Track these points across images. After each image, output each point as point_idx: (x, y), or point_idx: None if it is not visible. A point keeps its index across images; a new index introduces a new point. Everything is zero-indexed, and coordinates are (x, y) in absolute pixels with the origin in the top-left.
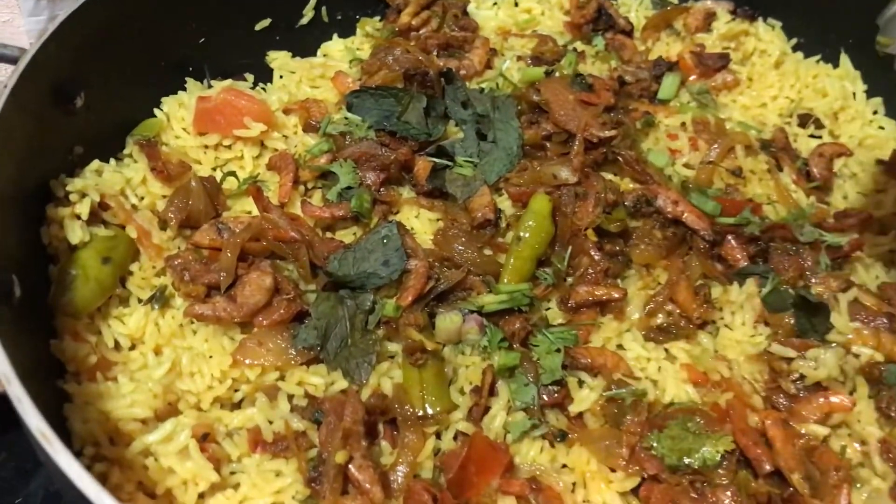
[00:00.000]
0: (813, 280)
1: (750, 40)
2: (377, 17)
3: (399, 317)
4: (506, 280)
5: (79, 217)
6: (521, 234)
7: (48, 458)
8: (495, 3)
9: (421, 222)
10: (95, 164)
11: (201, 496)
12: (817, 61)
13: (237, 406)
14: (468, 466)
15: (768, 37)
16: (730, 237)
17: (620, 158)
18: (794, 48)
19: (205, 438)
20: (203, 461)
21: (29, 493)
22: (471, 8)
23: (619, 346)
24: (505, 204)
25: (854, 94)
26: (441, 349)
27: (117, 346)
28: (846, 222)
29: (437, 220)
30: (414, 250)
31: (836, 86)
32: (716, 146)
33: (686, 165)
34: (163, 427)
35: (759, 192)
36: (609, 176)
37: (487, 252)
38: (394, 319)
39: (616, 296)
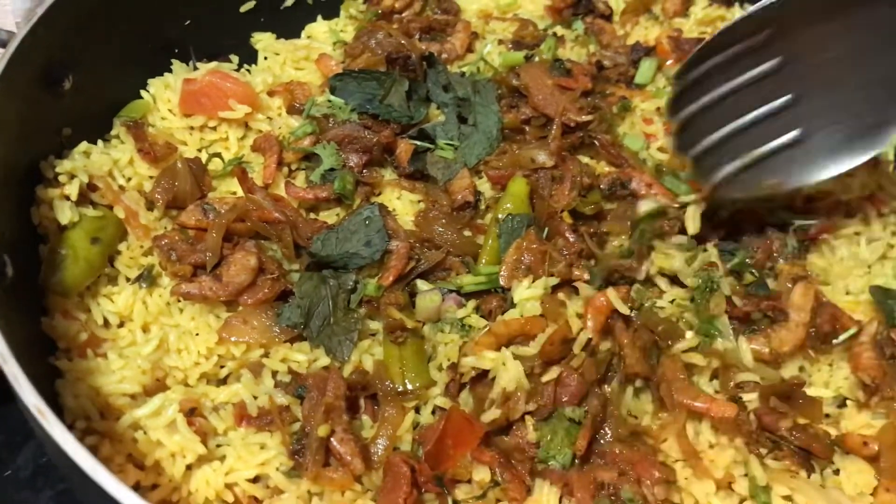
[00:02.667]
0: (781, 261)
1: None
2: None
3: (380, 296)
4: (484, 261)
5: (68, 198)
6: (500, 216)
7: (44, 433)
8: None
9: (402, 204)
10: (84, 145)
11: (188, 468)
12: None
13: (223, 382)
14: (445, 440)
15: None
16: None
17: (597, 142)
18: None
19: (192, 413)
20: (190, 434)
21: (18, 467)
22: None
23: None
24: (484, 186)
25: None
26: (421, 327)
27: (106, 323)
28: (815, 205)
29: (419, 201)
30: (395, 231)
31: None
32: None
33: (660, 149)
34: (151, 402)
35: None
36: (585, 159)
37: (467, 233)
38: (375, 299)
39: (587, 277)
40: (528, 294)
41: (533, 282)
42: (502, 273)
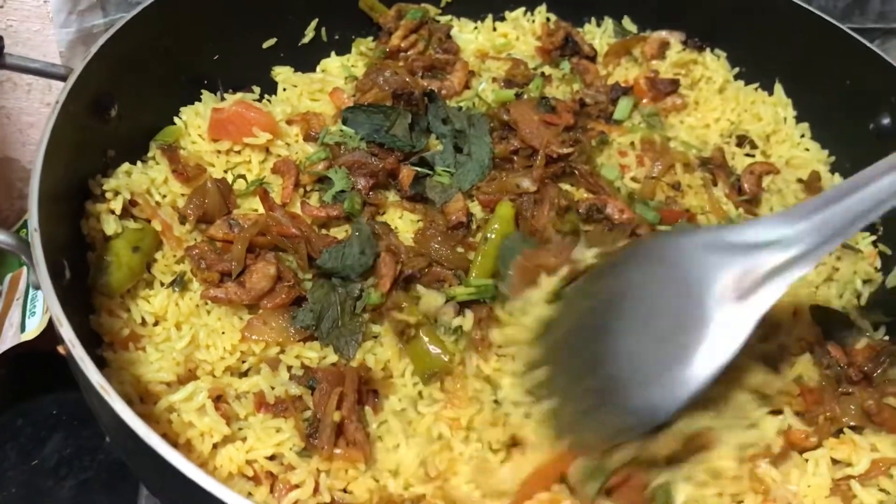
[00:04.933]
0: None
1: (698, 68)
2: (370, 38)
3: (383, 303)
4: (474, 274)
5: (113, 212)
6: (488, 235)
7: (105, 406)
8: (475, 28)
9: (404, 222)
10: (125, 166)
11: (215, 446)
12: (755, 89)
13: (244, 374)
14: None
15: (714, 66)
16: None
17: (577, 172)
18: (736, 76)
19: (218, 399)
20: (217, 417)
21: (44, 457)
22: (454, 31)
23: None
24: (476, 209)
25: (785, 118)
26: (424, 322)
27: (144, 321)
28: None
29: (418, 221)
30: (378, 237)
31: (770, 111)
32: (658, 164)
33: (633, 179)
34: (184, 389)
35: (694, 203)
36: (566, 186)
37: (460, 250)
38: (378, 306)
39: None
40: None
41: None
42: (508, 284)
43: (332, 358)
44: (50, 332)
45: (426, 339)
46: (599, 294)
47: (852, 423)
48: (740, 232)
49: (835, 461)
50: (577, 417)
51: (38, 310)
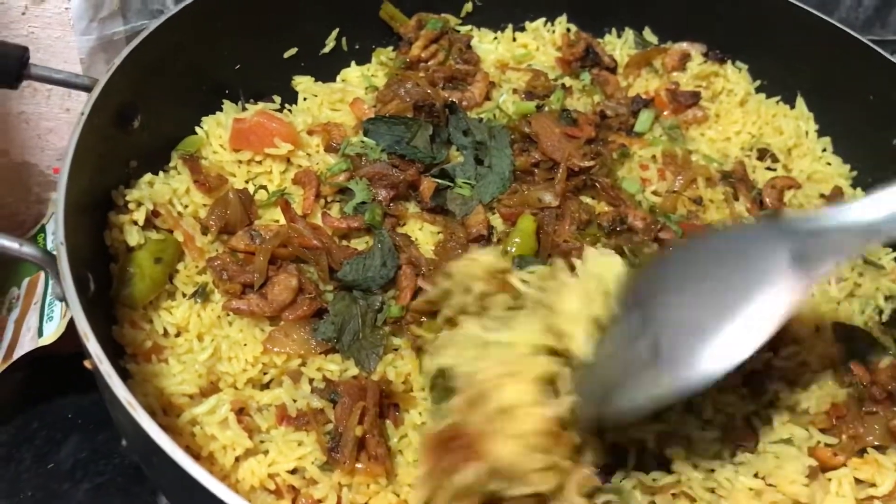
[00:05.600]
0: None
1: (719, 80)
2: (390, 48)
3: (403, 316)
4: None
5: (135, 223)
6: (509, 248)
7: (131, 421)
8: (496, 38)
9: (424, 234)
10: (148, 176)
11: (237, 459)
12: (777, 102)
13: (266, 386)
14: None
15: (735, 78)
16: None
17: (598, 185)
18: (758, 89)
19: (240, 412)
20: (239, 430)
21: (60, 461)
22: (474, 42)
23: None
24: (497, 221)
25: (807, 132)
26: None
27: (166, 333)
28: None
29: (438, 233)
30: (399, 249)
31: (792, 125)
32: (680, 177)
33: (654, 193)
34: (207, 402)
35: (716, 218)
36: (587, 200)
37: None
38: (399, 318)
39: None
40: None
41: None
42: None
43: (354, 370)
44: (66, 335)
45: None
46: (653, 273)
47: (876, 443)
48: (814, 220)
49: (858, 481)
50: (613, 384)
51: (55, 315)
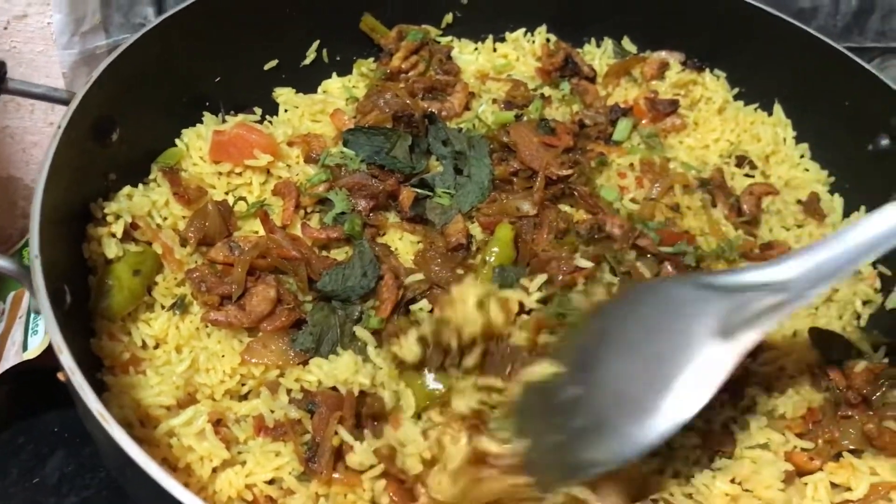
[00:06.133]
0: None
1: (698, 89)
2: (371, 59)
3: (383, 328)
4: None
5: (114, 235)
6: (488, 257)
7: (104, 434)
8: (476, 49)
9: (404, 244)
10: (126, 188)
11: (214, 470)
12: (755, 109)
13: (244, 397)
14: None
15: (713, 86)
16: (666, 263)
17: (576, 193)
18: (736, 97)
19: (218, 423)
20: (216, 441)
21: (45, 475)
22: (454, 52)
23: None
24: (476, 230)
25: (784, 139)
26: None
27: (144, 345)
28: (770, 253)
29: (418, 242)
30: (381, 260)
31: (770, 132)
32: (657, 185)
33: (632, 200)
34: (184, 413)
35: (693, 224)
36: (566, 208)
37: (460, 271)
38: (378, 330)
39: None
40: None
41: None
42: None
43: (331, 381)
44: (52, 350)
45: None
46: (591, 332)
47: (852, 447)
48: (734, 275)
49: (834, 485)
50: (550, 452)
51: (40, 329)
